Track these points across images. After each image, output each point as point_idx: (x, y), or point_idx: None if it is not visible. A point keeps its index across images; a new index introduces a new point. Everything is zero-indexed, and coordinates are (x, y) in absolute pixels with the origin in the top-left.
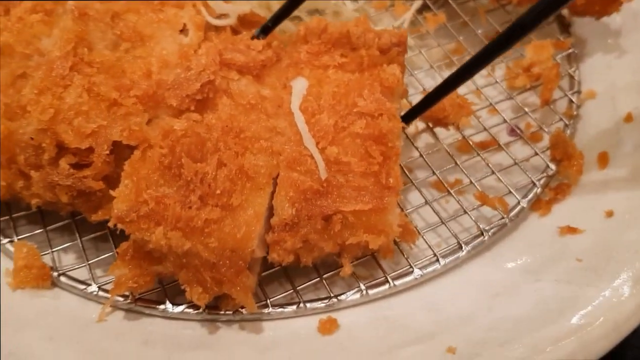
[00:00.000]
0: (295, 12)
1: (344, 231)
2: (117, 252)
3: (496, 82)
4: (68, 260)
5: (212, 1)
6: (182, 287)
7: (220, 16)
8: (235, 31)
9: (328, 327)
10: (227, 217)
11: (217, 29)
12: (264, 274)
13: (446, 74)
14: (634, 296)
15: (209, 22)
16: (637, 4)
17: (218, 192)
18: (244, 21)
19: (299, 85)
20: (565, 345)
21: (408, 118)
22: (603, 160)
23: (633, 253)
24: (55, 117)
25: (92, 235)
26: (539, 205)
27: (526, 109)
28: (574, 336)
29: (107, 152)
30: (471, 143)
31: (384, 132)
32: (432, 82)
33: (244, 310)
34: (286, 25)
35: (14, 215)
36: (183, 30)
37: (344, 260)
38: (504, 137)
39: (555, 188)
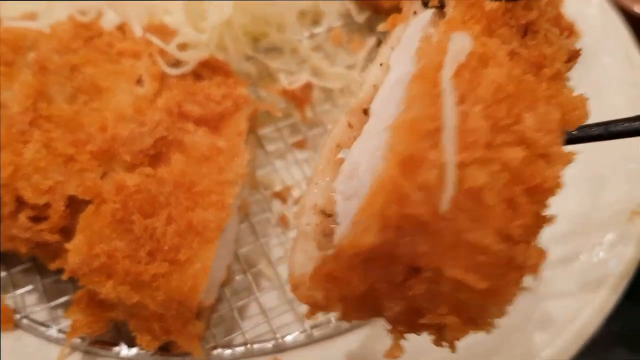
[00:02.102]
0: (252, 52)
1: (425, 299)
2: (73, 299)
3: None
4: (31, 300)
5: (170, 49)
6: (132, 334)
7: (178, 63)
8: (197, 75)
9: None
10: (175, 272)
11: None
12: (214, 315)
13: None
14: (553, 342)
15: (166, 71)
16: (582, 40)
17: (166, 247)
18: (206, 65)
19: (460, 44)
20: None
21: None
22: None
23: (556, 298)
24: (15, 173)
25: (54, 278)
26: None
27: None
28: None
29: (63, 207)
30: None
31: (545, 186)
32: None
33: None
34: (245, 66)
35: None
36: (139, 81)
37: (394, 339)
38: None
39: None
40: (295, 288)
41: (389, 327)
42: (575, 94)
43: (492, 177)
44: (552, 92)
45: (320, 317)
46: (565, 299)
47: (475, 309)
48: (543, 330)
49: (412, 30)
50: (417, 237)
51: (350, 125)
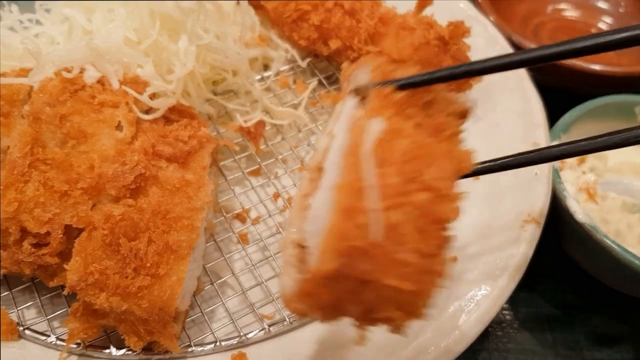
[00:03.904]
0: (211, 96)
1: (375, 301)
2: (70, 310)
3: None
4: (30, 315)
5: (143, 98)
6: (122, 337)
7: (150, 110)
8: (167, 119)
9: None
10: (156, 284)
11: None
12: (188, 319)
13: None
14: (459, 327)
15: (140, 117)
16: (487, 79)
17: (148, 264)
18: (174, 110)
19: (375, 127)
20: None
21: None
22: None
23: (465, 292)
24: (19, 208)
25: (49, 295)
26: None
27: None
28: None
29: (61, 234)
30: None
31: (445, 217)
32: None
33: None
34: (206, 108)
35: None
36: (118, 126)
37: (360, 330)
38: None
39: None
40: (287, 303)
41: (354, 323)
42: (465, 148)
43: (406, 214)
44: (449, 148)
45: (277, 316)
46: (474, 288)
47: (410, 304)
48: (457, 314)
49: (346, 108)
50: (362, 260)
51: (311, 180)
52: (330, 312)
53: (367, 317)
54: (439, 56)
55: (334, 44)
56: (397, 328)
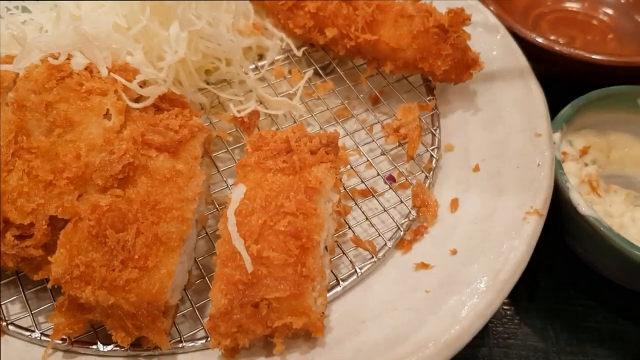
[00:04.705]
0: (204, 85)
1: (271, 315)
2: (55, 305)
3: (373, 140)
4: (14, 310)
5: (132, 86)
6: (109, 332)
7: (140, 98)
8: (157, 107)
9: (231, 355)
10: (144, 277)
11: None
12: (179, 314)
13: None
14: (460, 321)
15: (129, 105)
16: (488, 69)
17: (136, 256)
18: (165, 99)
19: (238, 192)
20: None
21: None
22: (454, 205)
23: (465, 286)
24: (1, 198)
25: (34, 289)
26: (402, 244)
27: (397, 164)
28: (414, 355)
29: (45, 225)
30: (349, 193)
31: (300, 229)
32: None
33: None
34: (199, 97)
35: None
36: (107, 115)
37: (276, 340)
38: (382, 185)
39: (415, 230)
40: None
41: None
42: (314, 171)
43: (268, 242)
44: (302, 178)
45: None
46: (475, 281)
47: (297, 307)
48: (457, 308)
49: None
50: (245, 289)
51: None
52: (241, 335)
53: (272, 330)
54: (438, 45)
55: (330, 33)
56: (313, 331)
